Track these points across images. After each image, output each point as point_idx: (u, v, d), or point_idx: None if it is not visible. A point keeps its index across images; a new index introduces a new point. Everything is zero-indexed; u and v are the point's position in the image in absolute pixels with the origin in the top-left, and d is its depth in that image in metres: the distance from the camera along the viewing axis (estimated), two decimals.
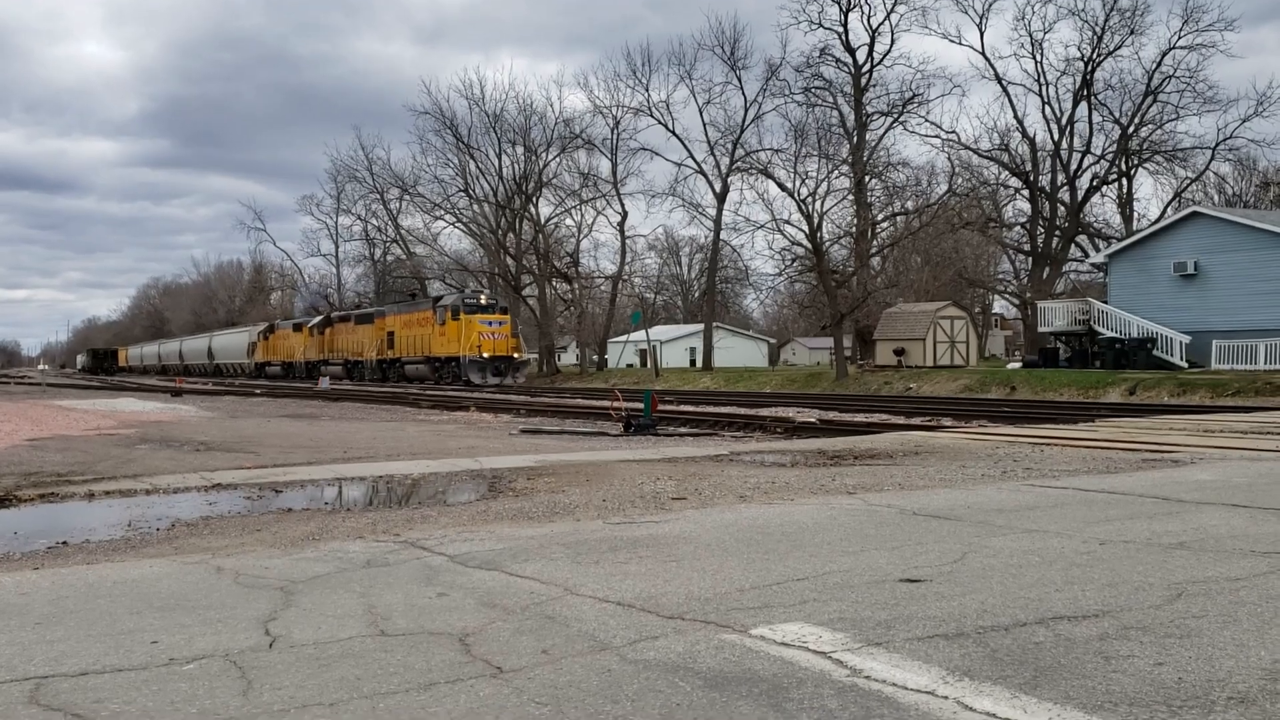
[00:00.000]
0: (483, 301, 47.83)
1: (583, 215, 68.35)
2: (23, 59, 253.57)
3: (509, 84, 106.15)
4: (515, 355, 46.75)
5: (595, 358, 60.17)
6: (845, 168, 48.55)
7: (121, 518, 7.13)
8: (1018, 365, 40.88)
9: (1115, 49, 50.79)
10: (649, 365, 53.99)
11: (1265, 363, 30.95)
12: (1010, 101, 55.10)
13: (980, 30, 52.41)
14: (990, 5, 51.44)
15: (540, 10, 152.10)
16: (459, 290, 50.09)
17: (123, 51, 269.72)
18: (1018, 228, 58.05)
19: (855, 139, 49.40)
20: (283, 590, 4.33)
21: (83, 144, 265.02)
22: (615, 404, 18.70)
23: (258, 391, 38.82)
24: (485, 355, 45.02)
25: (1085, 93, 51.89)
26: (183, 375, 76.37)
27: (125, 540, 6.16)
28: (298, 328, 66.96)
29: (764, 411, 20.32)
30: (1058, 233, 53.76)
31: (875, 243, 52.63)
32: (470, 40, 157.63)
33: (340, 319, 61.28)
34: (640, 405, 17.54)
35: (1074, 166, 53.62)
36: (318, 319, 64.75)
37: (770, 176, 47.90)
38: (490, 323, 46.32)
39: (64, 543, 6.13)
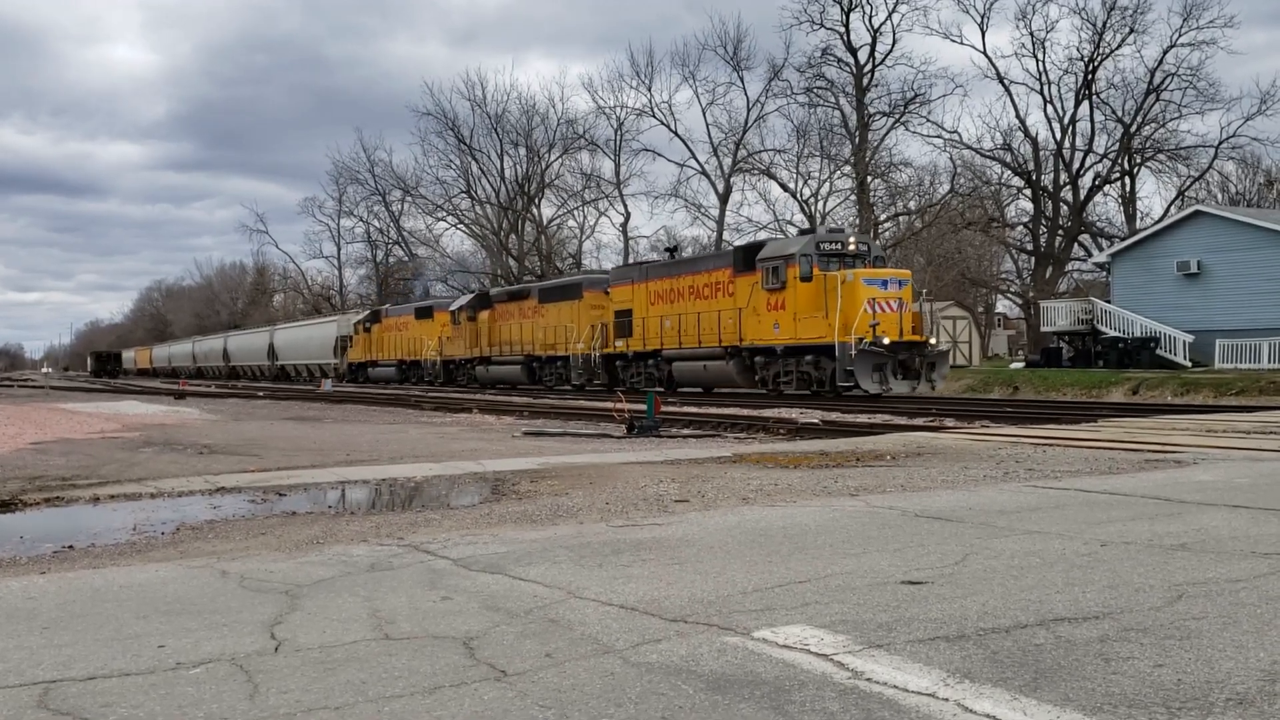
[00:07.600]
0: (852, 247, 26.41)
1: (585, 216, 68.62)
2: (54, 62, 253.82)
3: (510, 84, 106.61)
4: (931, 341, 25.80)
5: None
6: (847, 168, 48.66)
7: (126, 521, 7.16)
8: (1021, 365, 40.86)
9: (1117, 47, 50.91)
10: None
11: (1269, 362, 30.93)
12: (1012, 101, 55.33)
13: (982, 30, 52.49)
14: (991, 5, 51.46)
15: (576, 9, 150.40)
16: (809, 231, 29.70)
17: (154, 55, 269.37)
18: (1020, 227, 58.14)
19: (857, 139, 49.47)
20: (288, 594, 4.36)
21: (108, 147, 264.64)
22: (618, 405, 18.71)
23: (261, 394, 38.91)
24: (886, 341, 23.99)
25: (1087, 91, 51.91)
26: (233, 379, 69.15)
27: (131, 544, 6.19)
28: (424, 313, 47.77)
29: (767, 412, 20.31)
30: (1060, 232, 53.79)
31: (878, 243, 52.69)
32: (502, 41, 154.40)
33: (509, 297, 41.63)
34: (643, 406, 17.55)
35: (1076, 165, 53.68)
36: (467, 298, 46.06)
37: (773, 177, 48.11)
38: (882, 283, 25.09)
39: (70, 547, 6.15)
